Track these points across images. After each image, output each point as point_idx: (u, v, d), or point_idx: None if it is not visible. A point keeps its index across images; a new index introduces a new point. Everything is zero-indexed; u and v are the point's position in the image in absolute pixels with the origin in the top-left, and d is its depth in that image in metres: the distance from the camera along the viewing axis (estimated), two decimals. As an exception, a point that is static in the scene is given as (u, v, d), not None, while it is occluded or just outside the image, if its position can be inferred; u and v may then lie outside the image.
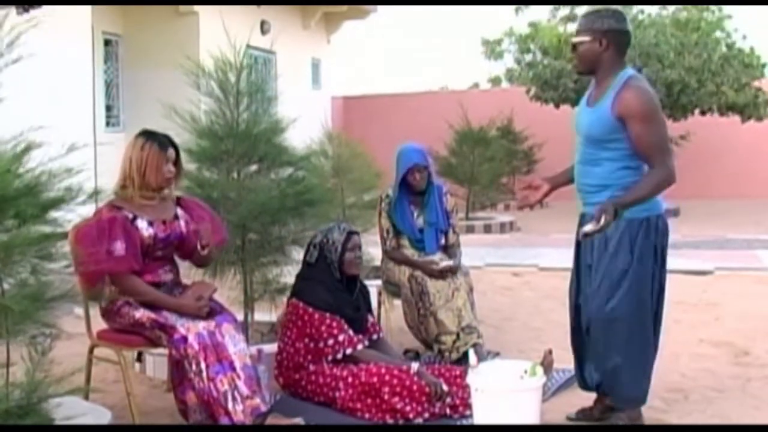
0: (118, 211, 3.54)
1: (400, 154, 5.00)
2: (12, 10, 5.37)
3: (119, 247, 3.47)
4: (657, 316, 3.58)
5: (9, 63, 2.71)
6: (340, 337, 3.84)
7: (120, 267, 3.50)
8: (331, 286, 3.96)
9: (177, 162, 3.73)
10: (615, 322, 3.44)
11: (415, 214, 4.98)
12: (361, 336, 3.93)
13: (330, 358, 3.85)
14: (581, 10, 16.30)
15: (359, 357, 3.85)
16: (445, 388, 3.71)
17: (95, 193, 3.00)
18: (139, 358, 4.54)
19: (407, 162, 4.92)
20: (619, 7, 3.78)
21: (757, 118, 14.18)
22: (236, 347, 3.42)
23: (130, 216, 3.56)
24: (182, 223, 3.72)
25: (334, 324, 3.85)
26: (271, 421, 3.38)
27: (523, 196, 3.82)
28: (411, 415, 3.63)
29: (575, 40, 3.57)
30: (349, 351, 3.84)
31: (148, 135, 3.68)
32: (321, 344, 3.85)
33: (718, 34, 14.50)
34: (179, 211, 3.75)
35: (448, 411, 3.71)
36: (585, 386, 3.74)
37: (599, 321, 3.47)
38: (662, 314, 3.61)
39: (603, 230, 3.30)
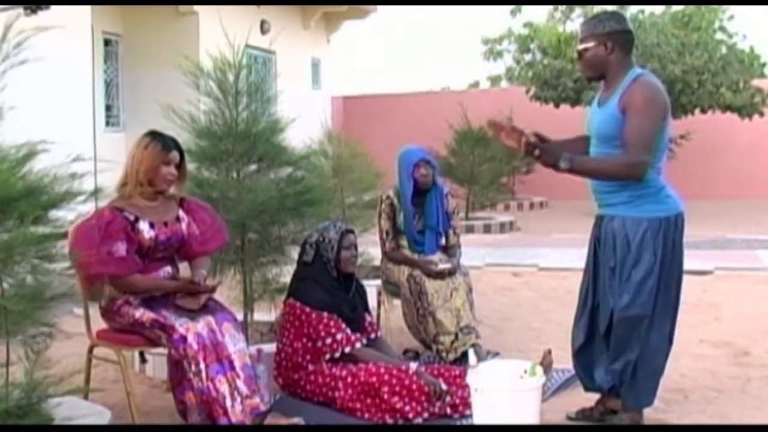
0: (119, 213, 3.53)
1: (402, 154, 5.01)
2: (19, 11, 5.38)
3: (120, 248, 3.47)
4: (674, 313, 3.61)
5: (15, 65, 2.71)
6: (338, 336, 3.84)
7: (121, 269, 3.50)
8: (328, 286, 3.96)
9: (181, 165, 3.72)
10: (639, 320, 3.46)
11: (416, 216, 4.98)
12: (359, 335, 3.93)
13: (328, 356, 3.85)
14: (577, 11, 16.36)
15: (357, 356, 3.85)
16: (444, 387, 3.71)
17: (95, 192, 2.99)
18: (143, 358, 4.54)
19: (412, 158, 4.93)
20: (617, 8, 3.80)
21: (758, 114, 14.17)
22: (236, 346, 3.41)
23: (132, 218, 3.55)
24: (183, 225, 3.72)
25: (332, 323, 3.85)
26: (270, 420, 3.38)
27: (496, 125, 3.53)
28: (410, 415, 3.63)
29: (580, 47, 3.58)
30: (347, 349, 3.84)
31: (154, 135, 3.67)
32: (319, 343, 3.85)
33: (719, 35, 14.50)
34: (181, 213, 3.74)
35: (448, 410, 3.71)
36: (591, 387, 3.73)
37: (624, 320, 3.48)
38: (678, 311, 3.63)
39: (531, 153, 3.34)
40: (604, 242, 3.59)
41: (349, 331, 3.88)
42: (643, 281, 3.45)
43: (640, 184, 3.45)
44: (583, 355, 3.71)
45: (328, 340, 3.84)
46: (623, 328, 3.50)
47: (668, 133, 3.56)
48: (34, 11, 5.62)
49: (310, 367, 3.87)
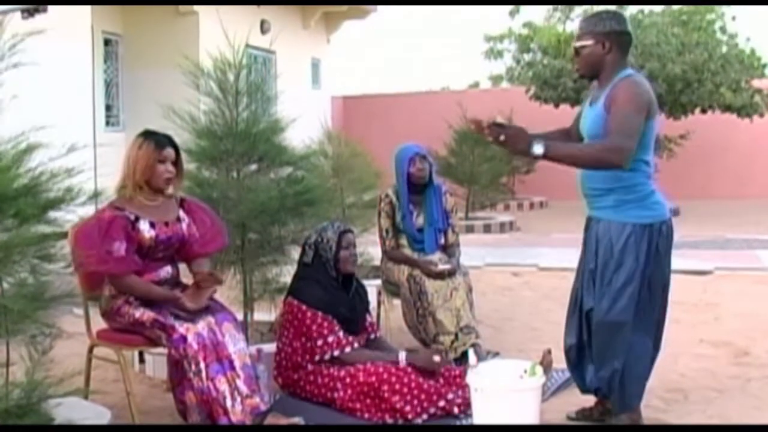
0: (119, 212, 3.53)
1: (398, 152, 5.02)
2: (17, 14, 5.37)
3: (119, 247, 3.47)
4: (660, 319, 3.59)
5: (10, 67, 2.70)
6: (329, 339, 3.83)
7: (120, 268, 3.50)
8: (328, 286, 3.95)
9: (177, 162, 3.72)
10: (620, 326, 3.44)
11: (415, 214, 4.98)
12: (351, 338, 3.90)
13: (317, 358, 3.84)
14: (577, 11, 16.37)
15: (345, 359, 3.83)
16: (437, 359, 3.80)
17: (95, 195, 2.99)
18: (141, 358, 4.54)
19: (408, 154, 4.93)
20: (618, 8, 3.79)
21: (758, 115, 14.19)
22: (236, 346, 3.42)
23: (132, 217, 3.56)
24: (184, 225, 3.72)
25: (325, 324, 3.84)
26: (270, 420, 3.38)
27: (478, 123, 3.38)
28: (410, 416, 3.62)
29: (578, 44, 3.57)
30: (336, 353, 3.83)
31: (147, 134, 3.68)
32: (310, 343, 3.85)
33: (719, 35, 14.51)
34: (181, 213, 3.75)
35: (455, 410, 3.69)
36: (585, 389, 3.73)
37: (604, 325, 3.47)
38: (665, 318, 3.62)
39: (500, 135, 3.22)
40: (588, 244, 3.59)
41: (341, 334, 3.86)
42: (623, 286, 3.43)
43: (628, 189, 3.44)
44: (574, 356, 3.71)
45: (319, 342, 3.83)
46: (604, 333, 3.48)
47: (654, 133, 3.51)
48: (31, 14, 5.62)
49: (310, 367, 3.87)
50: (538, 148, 3.23)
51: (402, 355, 3.86)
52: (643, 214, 3.44)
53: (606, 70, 3.52)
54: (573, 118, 3.83)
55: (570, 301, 3.74)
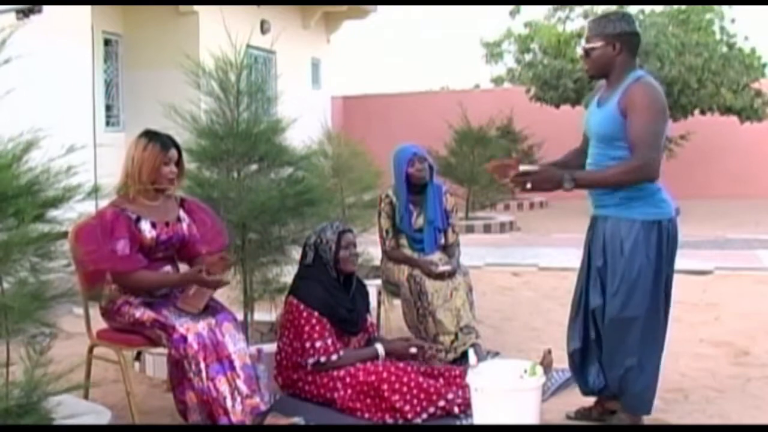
0: (122, 212, 3.53)
1: (396, 153, 5.02)
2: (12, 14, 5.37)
3: (124, 246, 3.47)
4: (666, 317, 3.59)
5: (5, 62, 2.70)
6: (317, 344, 3.81)
7: (126, 266, 3.50)
8: (329, 286, 3.95)
9: (179, 163, 3.73)
10: (632, 324, 3.45)
11: (415, 214, 4.98)
12: (339, 345, 3.88)
13: (302, 361, 3.84)
14: (577, 11, 16.36)
15: (330, 366, 3.81)
16: (413, 350, 3.90)
17: (95, 190, 2.99)
18: (138, 357, 4.55)
19: (406, 155, 4.93)
20: (618, 8, 3.79)
21: (756, 120, 14.21)
22: (236, 346, 3.42)
23: (134, 217, 3.56)
24: (184, 225, 3.72)
25: (318, 327, 3.83)
26: (270, 420, 3.38)
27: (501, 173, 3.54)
28: (410, 415, 3.62)
29: (587, 46, 3.57)
30: (323, 359, 3.82)
31: (151, 135, 3.68)
32: (300, 343, 3.85)
33: (719, 36, 14.51)
34: (182, 213, 3.75)
35: (455, 410, 3.69)
36: (588, 390, 3.73)
37: (617, 322, 3.47)
38: (669, 316, 3.62)
39: (526, 183, 3.39)
40: (595, 242, 3.59)
41: (330, 341, 3.83)
42: (635, 283, 3.43)
43: (635, 186, 3.44)
44: (578, 357, 3.70)
45: (308, 344, 3.82)
46: (617, 331, 3.48)
47: (665, 136, 3.55)
48: (26, 15, 5.63)
49: (310, 367, 3.86)
50: (568, 184, 3.39)
51: (380, 347, 3.90)
52: (651, 211, 3.45)
53: (616, 71, 3.52)
54: (579, 129, 3.82)
55: (573, 303, 3.73)
